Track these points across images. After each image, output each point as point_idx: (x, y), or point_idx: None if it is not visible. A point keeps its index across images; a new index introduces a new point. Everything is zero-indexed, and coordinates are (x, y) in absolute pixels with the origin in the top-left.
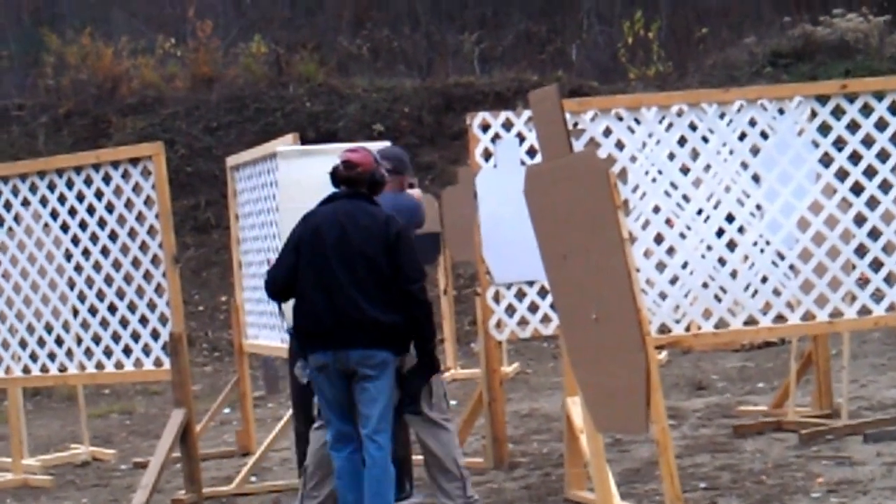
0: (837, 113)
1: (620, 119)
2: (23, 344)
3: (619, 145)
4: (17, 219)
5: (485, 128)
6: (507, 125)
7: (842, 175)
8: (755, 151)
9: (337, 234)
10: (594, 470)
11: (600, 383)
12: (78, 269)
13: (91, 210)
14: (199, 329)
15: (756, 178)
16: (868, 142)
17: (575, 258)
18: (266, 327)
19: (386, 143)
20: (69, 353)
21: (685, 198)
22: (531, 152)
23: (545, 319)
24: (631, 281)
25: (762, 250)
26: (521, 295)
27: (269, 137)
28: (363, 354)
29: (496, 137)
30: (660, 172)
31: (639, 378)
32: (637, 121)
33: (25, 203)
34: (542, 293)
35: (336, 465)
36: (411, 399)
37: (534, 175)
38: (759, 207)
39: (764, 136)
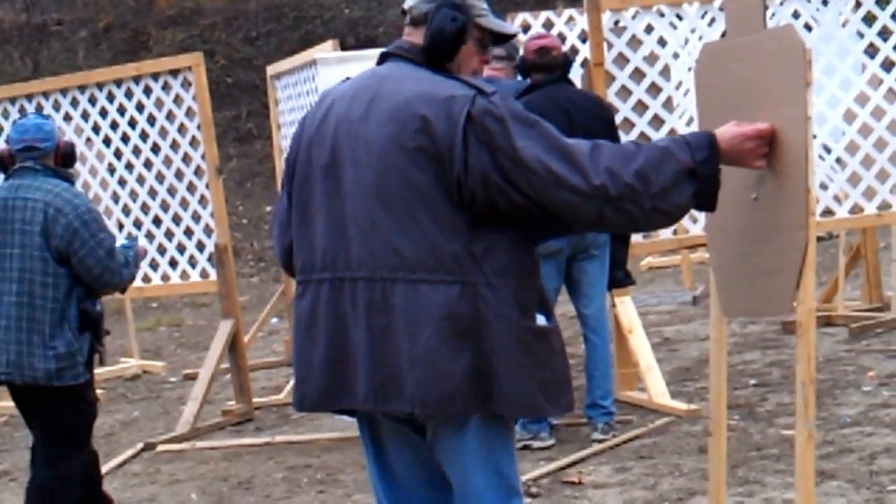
0: (882, 3)
1: (662, 15)
2: None
3: (662, 42)
4: None
5: (525, 28)
6: (548, 25)
7: (888, 65)
8: None
9: (563, 119)
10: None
11: (745, 265)
12: (122, 182)
13: (133, 123)
14: (244, 240)
15: None
16: None
17: None
18: None
19: None
20: None
21: None
22: (572, 52)
23: None
24: (807, 160)
25: None
26: None
27: (308, 45)
28: (595, 234)
29: None
30: None
31: (796, 257)
32: (679, 17)
33: (67, 118)
34: None
35: None
36: (623, 270)
37: (711, 52)
38: None
39: (808, 28)
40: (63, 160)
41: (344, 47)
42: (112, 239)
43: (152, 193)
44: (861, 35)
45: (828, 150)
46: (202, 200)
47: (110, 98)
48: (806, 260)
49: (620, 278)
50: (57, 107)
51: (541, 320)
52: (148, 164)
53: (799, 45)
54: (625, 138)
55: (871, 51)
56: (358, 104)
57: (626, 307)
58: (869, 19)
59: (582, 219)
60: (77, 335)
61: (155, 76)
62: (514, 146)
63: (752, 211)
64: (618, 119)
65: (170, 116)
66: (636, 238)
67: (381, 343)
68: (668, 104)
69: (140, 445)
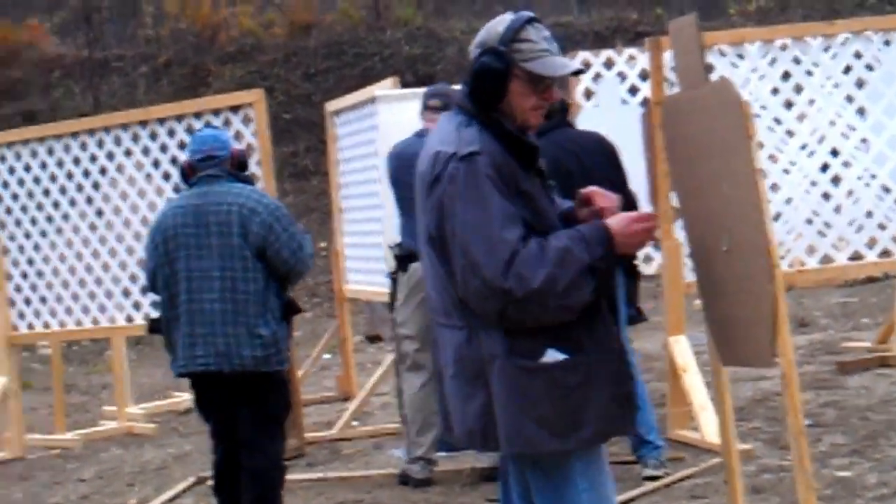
0: None
1: (723, 55)
2: (126, 293)
3: None
4: (119, 169)
5: (586, 67)
6: (609, 64)
7: None
8: (860, 84)
9: (575, 161)
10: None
11: (728, 317)
12: None
13: None
14: None
15: (861, 112)
16: None
17: (708, 190)
18: (368, 272)
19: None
20: None
21: (789, 133)
22: (632, 90)
23: (647, 259)
24: (762, 212)
25: (867, 184)
26: None
27: (367, 82)
28: None
29: (597, 77)
30: (763, 108)
31: (767, 310)
32: (740, 56)
33: (128, 153)
34: None
35: None
36: (635, 308)
37: (670, 106)
38: (864, 141)
39: (870, 68)
40: (238, 165)
41: (403, 84)
42: (301, 232)
43: None
44: None
45: (887, 191)
46: None
47: (171, 133)
48: (777, 312)
49: (632, 316)
50: (118, 142)
51: (551, 356)
52: None
53: (736, 99)
54: None
55: None
56: (420, 161)
57: (680, 346)
58: None
59: (486, 311)
60: (279, 323)
61: (216, 112)
62: (457, 218)
63: (725, 262)
64: None
65: None
66: (689, 278)
67: (444, 381)
68: None
69: (192, 479)
